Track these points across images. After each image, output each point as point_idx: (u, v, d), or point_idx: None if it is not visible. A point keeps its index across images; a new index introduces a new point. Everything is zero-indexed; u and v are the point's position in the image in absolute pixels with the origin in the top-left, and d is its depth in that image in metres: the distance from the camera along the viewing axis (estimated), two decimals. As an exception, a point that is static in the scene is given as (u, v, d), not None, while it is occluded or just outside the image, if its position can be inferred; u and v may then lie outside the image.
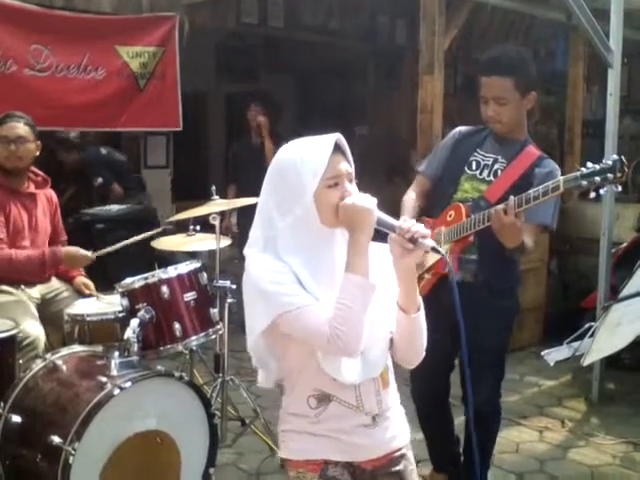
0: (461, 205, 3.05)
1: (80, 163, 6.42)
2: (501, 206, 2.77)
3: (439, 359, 3.25)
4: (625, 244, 5.21)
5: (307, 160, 1.87)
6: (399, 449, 2.04)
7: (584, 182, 2.62)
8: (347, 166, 1.92)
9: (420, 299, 1.96)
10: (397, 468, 2.04)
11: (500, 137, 3.12)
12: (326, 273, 1.89)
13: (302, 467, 1.97)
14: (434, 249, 1.86)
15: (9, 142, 3.80)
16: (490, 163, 3.10)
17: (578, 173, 2.64)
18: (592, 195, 2.66)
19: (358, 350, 1.85)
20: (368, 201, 1.86)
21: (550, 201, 2.84)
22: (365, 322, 1.83)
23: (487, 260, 3.03)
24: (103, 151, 6.69)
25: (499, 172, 3.07)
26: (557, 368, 4.90)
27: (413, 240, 1.83)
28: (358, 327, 1.82)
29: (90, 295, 3.88)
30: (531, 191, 2.75)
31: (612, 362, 4.80)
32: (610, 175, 2.57)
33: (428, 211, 3.22)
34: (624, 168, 2.57)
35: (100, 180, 6.48)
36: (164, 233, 4.38)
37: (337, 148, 1.90)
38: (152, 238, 4.19)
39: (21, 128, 3.85)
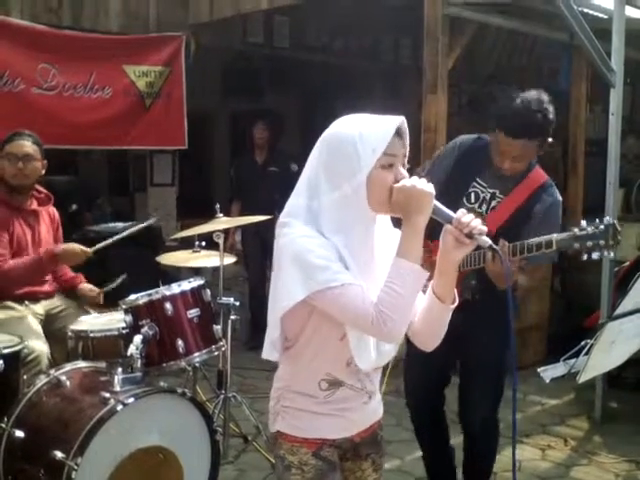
0: None
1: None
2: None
3: (436, 371, 3.27)
4: (628, 263, 5.21)
5: (368, 135, 1.82)
6: (379, 419, 2.13)
7: (576, 244, 2.60)
8: (404, 151, 1.89)
9: (455, 294, 1.93)
10: (376, 437, 2.13)
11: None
12: (363, 258, 1.86)
13: (299, 443, 1.99)
14: (492, 248, 1.84)
15: (17, 160, 3.83)
16: (488, 198, 3.08)
17: (571, 234, 2.61)
18: (584, 257, 2.60)
19: (401, 338, 1.85)
20: (427, 185, 1.82)
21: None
22: (412, 309, 1.83)
23: (485, 284, 3.01)
24: (68, 178, 6.70)
25: (495, 209, 3.06)
26: (560, 387, 4.92)
27: (470, 235, 1.82)
28: (406, 314, 1.80)
29: (96, 303, 3.91)
30: (526, 242, 2.74)
31: (614, 381, 4.80)
32: (602, 242, 2.55)
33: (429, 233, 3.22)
34: (617, 236, 2.54)
35: (75, 207, 6.45)
36: (168, 249, 4.40)
37: (397, 132, 1.86)
38: (155, 250, 4.20)
39: (29, 146, 3.89)
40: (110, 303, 3.79)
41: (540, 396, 5.13)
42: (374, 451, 2.12)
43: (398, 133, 1.86)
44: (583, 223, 2.61)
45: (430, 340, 2.00)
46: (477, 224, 1.82)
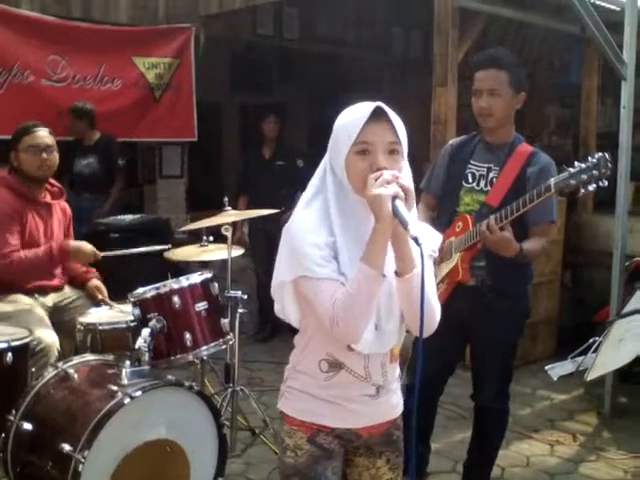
0: (467, 216, 3.17)
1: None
2: (484, 225, 2.90)
3: (441, 360, 3.26)
4: (638, 258, 5.18)
5: (345, 124, 1.86)
6: (395, 419, 2.10)
7: (572, 181, 2.77)
8: (388, 137, 1.83)
9: (415, 261, 1.82)
10: (390, 436, 2.10)
11: (489, 143, 3.22)
12: (362, 242, 1.83)
13: (296, 425, 2.01)
14: (415, 240, 1.73)
15: (41, 151, 3.82)
16: (485, 173, 3.20)
17: (566, 173, 2.79)
18: (582, 192, 2.79)
19: (356, 340, 1.84)
20: (386, 189, 1.75)
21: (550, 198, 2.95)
22: (369, 313, 1.81)
23: (494, 265, 3.11)
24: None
25: (494, 180, 3.16)
26: (569, 382, 4.90)
27: (403, 224, 1.74)
28: (358, 318, 1.80)
29: (102, 301, 3.90)
30: (509, 205, 2.90)
31: (624, 376, 4.78)
32: (595, 172, 2.72)
33: (436, 225, 3.26)
34: (608, 164, 2.74)
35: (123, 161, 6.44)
36: (177, 242, 4.38)
37: (385, 119, 1.83)
38: (164, 242, 4.20)
39: (48, 137, 3.88)
40: (118, 296, 3.78)
41: (549, 391, 5.12)
42: (389, 450, 2.10)
43: (377, 119, 1.83)
44: (576, 163, 2.79)
45: (410, 320, 1.90)
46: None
